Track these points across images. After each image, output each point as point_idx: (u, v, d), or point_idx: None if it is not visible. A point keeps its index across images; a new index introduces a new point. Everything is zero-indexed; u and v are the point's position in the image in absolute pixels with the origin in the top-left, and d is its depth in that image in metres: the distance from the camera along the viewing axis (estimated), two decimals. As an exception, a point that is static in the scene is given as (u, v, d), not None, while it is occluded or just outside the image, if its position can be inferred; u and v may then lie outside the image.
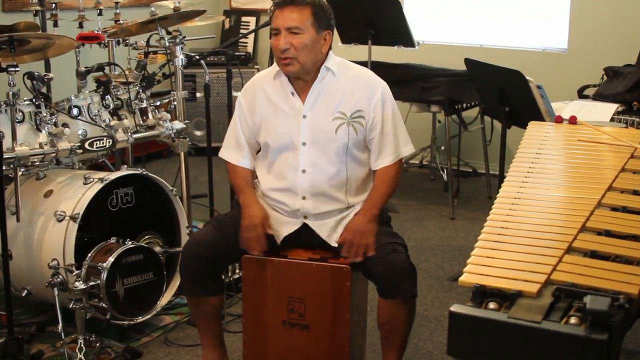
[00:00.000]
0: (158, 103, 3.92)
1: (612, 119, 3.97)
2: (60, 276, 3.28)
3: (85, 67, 3.93)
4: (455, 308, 1.85)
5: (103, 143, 3.62)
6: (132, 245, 3.38)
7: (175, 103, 3.99)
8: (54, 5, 4.58)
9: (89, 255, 3.34)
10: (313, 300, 2.93)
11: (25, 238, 3.45)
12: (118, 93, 3.76)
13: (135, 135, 3.75)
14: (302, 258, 2.94)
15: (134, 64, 4.13)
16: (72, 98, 3.61)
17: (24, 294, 3.49)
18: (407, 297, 2.82)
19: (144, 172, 3.61)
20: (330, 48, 2.96)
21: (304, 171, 2.94)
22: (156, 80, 3.91)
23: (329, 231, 2.96)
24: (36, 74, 3.45)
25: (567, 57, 5.76)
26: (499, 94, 4.03)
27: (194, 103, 6.28)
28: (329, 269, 2.90)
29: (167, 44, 3.90)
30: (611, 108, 4.05)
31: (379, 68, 5.15)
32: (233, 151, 3.09)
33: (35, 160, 3.43)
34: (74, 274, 3.21)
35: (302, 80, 2.95)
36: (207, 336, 3.09)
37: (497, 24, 6.10)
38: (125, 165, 3.83)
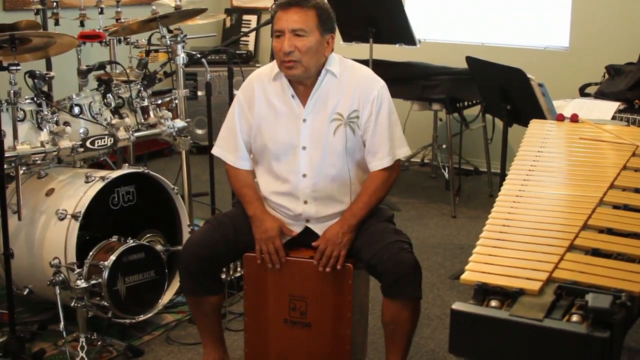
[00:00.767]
0: (159, 101, 3.92)
1: (613, 117, 3.96)
2: (62, 275, 3.28)
3: (86, 66, 3.92)
4: (457, 306, 1.86)
5: (104, 141, 3.61)
6: (133, 244, 3.38)
7: (176, 101, 3.99)
8: (55, 3, 4.58)
9: (91, 253, 3.34)
10: (314, 299, 2.93)
11: (27, 237, 3.45)
12: (119, 91, 3.76)
13: (136, 134, 3.75)
14: (304, 256, 2.94)
15: (135, 63, 4.13)
16: (74, 96, 3.61)
17: (25, 293, 3.50)
18: (412, 298, 2.82)
19: (146, 171, 3.61)
20: (332, 51, 2.92)
21: (304, 175, 2.92)
22: (157, 79, 3.91)
23: None
24: (37, 72, 3.45)
25: (568, 55, 5.75)
26: (501, 92, 4.03)
27: (195, 101, 6.28)
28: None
29: (168, 42, 3.90)
30: (613, 106, 4.04)
31: (380, 66, 5.16)
32: (231, 151, 3.03)
33: (37, 158, 3.43)
34: (76, 272, 3.21)
35: (302, 84, 2.91)
36: (207, 335, 3.09)
37: (498, 22, 6.09)
38: (127, 164, 3.83)
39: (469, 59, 4.42)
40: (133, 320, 3.44)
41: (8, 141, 3.27)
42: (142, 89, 3.81)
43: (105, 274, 3.26)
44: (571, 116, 3.33)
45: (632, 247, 2.09)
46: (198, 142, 5.76)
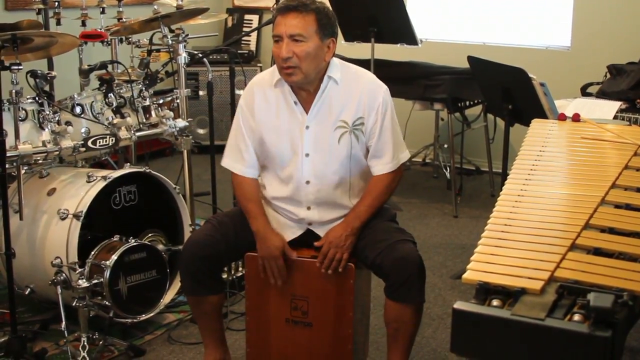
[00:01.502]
0: (161, 101, 3.92)
1: (615, 117, 3.96)
2: (64, 274, 3.28)
3: (88, 65, 3.93)
4: (458, 305, 1.85)
5: (106, 141, 3.62)
6: (135, 243, 3.38)
7: (178, 101, 3.99)
8: (56, 3, 4.58)
9: (92, 253, 3.34)
10: (316, 298, 2.93)
11: (29, 236, 3.45)
12: (121, 91, 3.76)
13: (138, 133, 3.75)
14: (306, 256, 2.94)
15: (137, 62, 4.13)
16: (75, 96, 3.61)
17: (27, 292, 3.50)
18: (415, 302, 2.81)
19: (147, 170, 3.61)
20: (333, 56, 2.90)
21: (308, 182, 2.92)
22: (159, 79, 3.91)
23: None
24: (39, 72, 3.45)
25: (570, 54, 5.75)
26: (502, 92, 4.03)
27: (196, 101, 6.28)
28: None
29: (170, 42, 3.90)
30: (614, 106, 4.04)
31: (381, 66, 5.16)
32: (239, 161, 2.99)
33: (38, 158, 3.43)
34: (77, 272, 3.21)
35: (304, 90, 2.89)
36: (208, 335, 3.09)
37: (500, 22, 6.09)
38: (128, 164, 3.84)
39: (470, 59, 4.41)
40: (134, 320, 3.44)
41: (10, 141, 3.28)
42: (143, 88, 3.81)
43: (107, 274, 3.25)
44: (573, 116, 3.32)
45: (634, 246, 2.08)
46: (199, 141, 5.75)
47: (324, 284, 2.90)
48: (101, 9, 4.68)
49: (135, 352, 3.35)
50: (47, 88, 3.57)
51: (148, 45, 4.15)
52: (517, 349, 1.80)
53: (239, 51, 6.20)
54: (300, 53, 2.76)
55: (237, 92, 3.87)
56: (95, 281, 3.24)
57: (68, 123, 3.53)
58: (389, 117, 2.91)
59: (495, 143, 5.54)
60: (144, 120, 3.80)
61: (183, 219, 3.78)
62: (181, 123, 3.93)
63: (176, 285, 3.67)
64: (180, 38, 3.92)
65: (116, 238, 3.42)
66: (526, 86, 3.77)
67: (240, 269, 3.88)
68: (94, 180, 3.45)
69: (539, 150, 2.90)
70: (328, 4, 2.87)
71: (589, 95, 4.67)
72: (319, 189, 2.92)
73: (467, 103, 5.44)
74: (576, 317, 1.77)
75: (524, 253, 2.07)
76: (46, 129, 3.45)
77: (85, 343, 3.16)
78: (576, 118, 3.31)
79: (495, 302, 1.86)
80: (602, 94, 4.49)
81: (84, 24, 4.68)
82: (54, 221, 3.39)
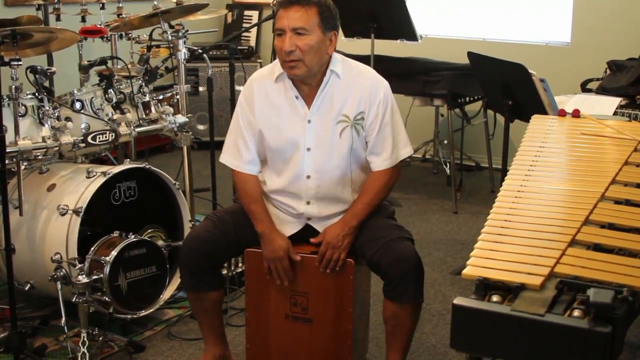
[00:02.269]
0: (161, 97, 3.92)
1: (615, 113, 3.95)
2: (63, 270, 3.27)
3: (88, 61, 3.93)
4: (458, 301, 1.85)
5: (106, 137, 3.61)
6: (135, 239, 3.38)
7: (177, 97, 3.98)
8: (56, -1, 4.57)
9: (92, 249, 3.34)
10: (316, 294, 2.93)
11: (28, 232, 3.45)
12: (121, 87, 3.76)
13: (138, 129, 3.75)
14: (305, 252, 2.94)
15: (137, 58, 4.12)
16: (75, 92, 3.61)
17: (27, 288, 3.50)
18: (412, 302, 2.81)
19: (147, 166, 3.61)
20: (334, 49, 2.90)
21: (308, 177, 2.91)
22: (159, 74, 3.90)
23: None
24: (39, 67, 3.45)
25: (570, 50, 5.75)
26: (502, 88, 4.02)
27: (196, 97, 6.28)
28: (331, 263, 2.89)
29: (169, 37, 3.89)
30: (614, 102, 4.03)
31: (381, 62, 5.15)
32: (238, 157, 2.99)
33: (38, 154, 3.43)
34: (77, 267, 3.21)
35: (306, 84, 2.89)
36: (208, 331, 3.09)
37: (500, 18, 6.08)
38: (128, 159, 3.83)
39: (470, 55, 4.41)
40: (134, 316, 3.45)
41: (9, 136, 3.28)
42: (143, 84, 3.81)
43: (107, 270, 3.26)
44: (573, 112, 3.32)
45: (634, 242, 2.09)
46: (199, 137, 5.73)
47: (323, 280, 2.90)
48: (101, 5, 4.67)
49: (135, 348, 3.35)
50: (46, 84, 3.57)
51: (148, 41, 4.14)
52: (517, 344, 1.80)
53: (239, 47, 6.22)
54: (303, 46, 2.76)
55: (237, 88, 3.87)
56: (95, 277, 3.24)
57: (68, 119, 3.53)
58: (389, 113, 2.91)
59: (495, 139, 5.53)
60: (144, 116, 3.80)
61: (183, 215, 3.78)
62: (181, 119, 3.92)
63: (176, 281, 3.67)
64: (180, 34, 3.91)
65: (116, 234, 3.42)
66: (526, 82, 3.77)
67: (240, 265, 3.88)
68: (94, 176, 3.45)
69: (539, 146, 2.90)
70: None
71: (589, 91, 4.67)
72: (319, 184, 2.91)
73: (467, 99, 5.44)
74: (576, 313, 1.77)
75: (523, 249, 2.07)
76: (46, 125, 3.45)
77: (85, 339, 3.16)
78: (576, 114, 3.31)
79: (495, 298, 1.86)
80: (602, 90, 4.48)
81: (83, 19, 4.67)
82: (54, 217, 3.39)
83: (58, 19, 4.59)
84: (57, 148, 3.46)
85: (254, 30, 7.01)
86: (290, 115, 2.91)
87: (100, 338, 3.31)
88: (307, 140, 2.89)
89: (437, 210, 5.27)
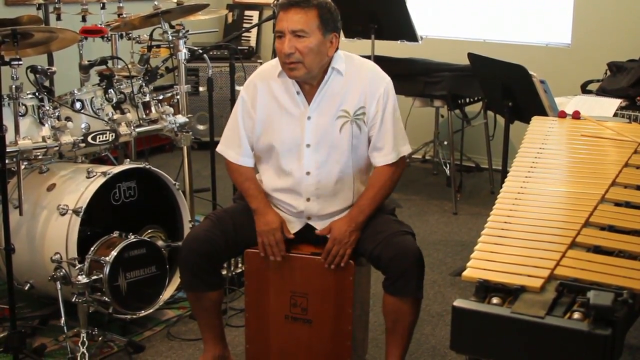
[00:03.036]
0: (161, 97, 3.92)
1: (615, 114, 3.96)
2: (63, 270, 3.27)
3: (88, 61, 3.93)
4: (458, 303, 1.85)
5: (106, 137, 3.61)
6: (134, 239, 3.38)
7: (178, 97, 3.98)
8: (57, -2, 4.57)
9: (92, 249, 3.34)
10: (315, 295, 2.93)
11: (28, 232, 3.45)
12: (121, 87, 3.76)
13: (138, 129, 3.75)
14: (305, 252, 2.94)
15: (137, 58, 4.12)
16: (75, 92, 3.61)
17: (26, 288, 3.50)
18: (413, 298, 2.81)
19: (147, 166, 3.61)
20: (336, 50, 2.90)
21: (308, 173, 2.91)
22: (159, 74, 3.90)
23: None
24: (39, 67, 3.45)
25: (570, 52, 5.75)
26: (502, 89, 4.02)
27: (196, 97, 6.27)
28: (331, 264, 2.89)
29: (170, 37, 3.89)
30: (614, 103, 4.04)
31: (381, 63, 5.09)
32: (233, 148, 3.01)
33: (38, 153, 3.42)
34: (77, 267, 3.21)
35: (308, 83, 2.89)
36: (207, 331, 3.09)
37: (500, 19, 6.08)
38: (128, 159, 3.83)
39: (470, 56, 4.41)
40: (134, 316, 3.45)
41: (10, 136, 3.28)
42: (143, 84, 3.81)
43: (107, 270, 3.26)
44: (573, 113, 3.32)
45: (634, 244, 2.08)
46: (199, 137, 5.75)
47: (323, 281, 2.90)
48: (101, 5, 4.66)
49: (134, 348, 3.35)
50: (47, 83, 3.57)
51: (148, 41, 4.14)
52: (517, 346, 1.80)
53: (239, 47, 6.22)
54: (302, 49, 2.76)
55: (237, 88, 3.87)
56: (95, 277, 3.24)
57: (68, 119, 3.53)
58: (390, 109, 2.91)
59: (495, 140, 5.53)
60: (144, 116, 3.80)
61: (183, 215, 3.78)
62: (181, 119, 3.92)
63: (175, 281, 3.67)
64: (181, 34, 3.91)
65: (116, 234, 3.42)
66: (526, 83, 3.77)
67: (239, 265, 3.88)
68: (94, 176, 3.45)
69: (539, 148, 2.90)
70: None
71: (589, 92, 4.67)
72: (319, 180, 2.91)
73: (467, 100, 5.44)
74: (576, 315, 1.77)
75: (523, 251, 2.06)
76: (46, 125, 3.45)
77: (85, 339, 3.16)
78: (576, 115, 3.31)
79: (495, 300, 1.86)
80: (603, 92, 4.49)
81: (84, 19, 4.67)
82: (54, 217, 3.39)
83: (58, 18, 4.59)
84: (57, 148, 3.46)
85: (255, 30, 7.01)
86: (291, 111, 2.91)
87: (100, 338, 3.32)
88: (307, 137, 2.90)
89: (437, 211, 5.27)
